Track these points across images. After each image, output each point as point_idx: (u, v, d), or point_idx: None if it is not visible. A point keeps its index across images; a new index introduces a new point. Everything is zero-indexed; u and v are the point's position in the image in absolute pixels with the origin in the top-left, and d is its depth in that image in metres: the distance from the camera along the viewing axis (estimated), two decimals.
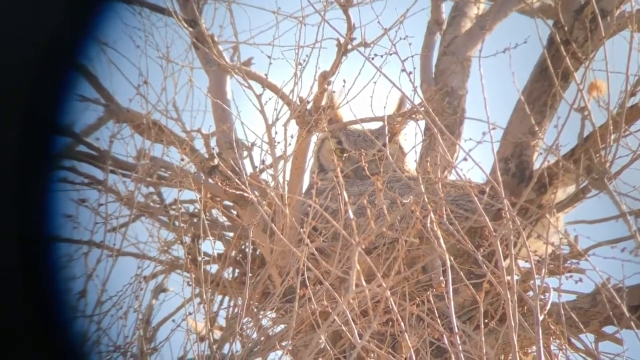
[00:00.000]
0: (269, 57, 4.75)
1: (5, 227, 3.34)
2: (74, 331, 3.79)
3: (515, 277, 3.93)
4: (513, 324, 3.80)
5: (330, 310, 3.97)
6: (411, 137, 5.12)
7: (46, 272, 3.51)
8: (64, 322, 3.63)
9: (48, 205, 3.49)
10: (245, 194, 4.51)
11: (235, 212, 5.15)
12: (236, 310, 4.98)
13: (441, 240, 3.94)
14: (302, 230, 4.22)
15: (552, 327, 4.32)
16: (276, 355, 4.66)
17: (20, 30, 3.31)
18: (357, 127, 5.07)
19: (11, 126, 3.29)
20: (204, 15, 5.37)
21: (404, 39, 4.46)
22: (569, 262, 4.58)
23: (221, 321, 5.10)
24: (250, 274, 4.42)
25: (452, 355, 3.90)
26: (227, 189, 4.64)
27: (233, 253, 5.14)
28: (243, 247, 5.18)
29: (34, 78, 3.33)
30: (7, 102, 3.27)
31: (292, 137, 4.65)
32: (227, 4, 5.16)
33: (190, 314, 4.57)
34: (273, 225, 4.45)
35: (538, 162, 4.86)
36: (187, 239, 5.11)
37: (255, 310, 4.74)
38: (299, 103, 4.65)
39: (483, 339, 4.00)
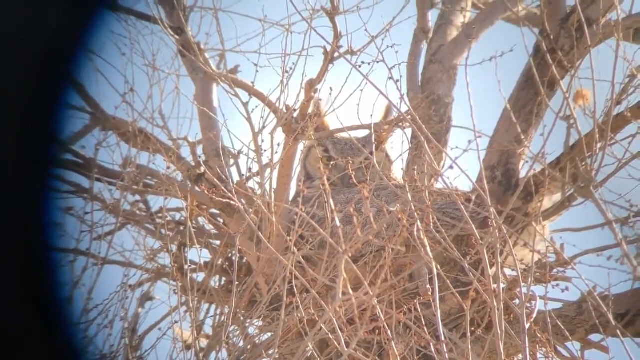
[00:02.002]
0: (256, 65, 4.77)
1: (3, 234, 3.33)
2: (63, 339, 3.78)
3: (502, 285, 3.94)
4: (499, 332, 3.80)
5: (317, 319, 3.96)
6: (398, 145, 5.13)
7: (37, 280, 3.50)
8: (53, 330, 3.62)
9: (39, 214, 3.49)
10: (232, 202, 4.51)
11: (221, 220, 5.14)
12: (223, 318, 4.96)
13: (428, 249, 3.94)
14: (288, 238, 4.21)
15: (539, 335, 4.32)
16: None
17: (16, 39, 3.31)
18: (344, 135, 5.06)
19: (7, 134, 3.28)
20: (190, 23, 5.37)
21: (391, 47, 4.47)
22: (555, 270, 4.58)
23: (208, 329, 5.08)
24: (237, 282, 4.41)
25: None
26: (214, 197, 4.62)
27: (220, 261, 5.12)
28: (230, 255, 5.17)
29: (26, 87, 3.33)
30: (3, 110, 3.27)
31: (278, 145, 4.66)
32: (214, 12, 5.17)
33: (176, 322, 4.57)
34: (260, 233, 4.45)
35: (524, 170, 4.87)
36: (174, 247, 5.10)
37: (242, 318, 4.74)
38: (285, 111, 4.66)
39: (470, 347, 4.00)
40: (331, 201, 4.06)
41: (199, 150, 5.29)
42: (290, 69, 4.63)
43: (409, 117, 4.61)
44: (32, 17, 3.36)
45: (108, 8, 4.75)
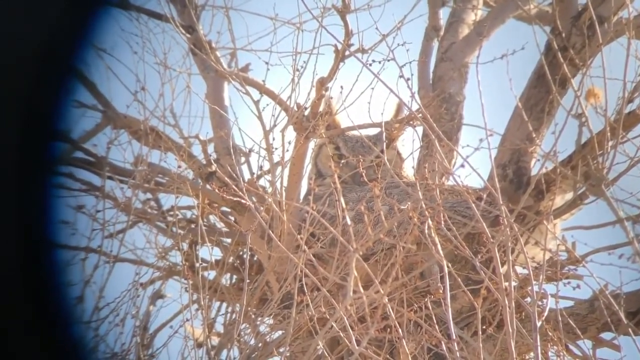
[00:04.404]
0: (267, 63, 4.78)
1: (4, 233, 3.34)
2: (74, 338, 3.78)
3: (513, 284, 3.93)
4: (511, 331, 3.80)
5: (328, 317, 3.97)
6: (409, 143, 5.11)
7: (46, 278, 3.50)
8: (64, 329, 3.62)
9: (47, 211, 3.49)
10: (243, 200, 4.51)
11: (233, 219, 5.14)
12: (234, 316, 4.97)
13: (439, 247, 3.94)
14: (299, 236, 4.22)
15: (550, 333, 4.32)
16: None
17: (18, 35, 3.31)
18: (355, 133, 5.06)
19: (9, 132, 3.29)
20: (202, 21, 5.38)
21: (402, 45, 4.47)
22: (566, 268, 4.58)
23: (219, 327, 5.09)
24: (248, 280, 4.41)
25: None
26: (225, 195, 4.63)
27: (231, 259, 5.14)
28: (241, 253, 5.18)
29: (32, 84, 3.33)
30: (5, 107, 3.27)
31: (289, 143, 4.66)
32: (225, 10, 5.17)
33: (187, 320, 4.57)
34: (271, 231, 4.45)
35: (536, 168, 4.87)
36: (185, 245, 5.11)
37: (253, 316, 4.74)
38: (296, 109, 4.65)
39: (481, 345, 4.00)
40: (342, 199, 4.06)
41: (210, 148, 5.30)
42: (301, 67, 4.63)
43: (420, 115, 4.61)
44: (35, 15, 3.36)
45: (119, 6, 4.75)
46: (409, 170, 5.22)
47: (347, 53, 4.61)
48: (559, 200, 4.77)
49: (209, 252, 5.04)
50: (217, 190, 4.71)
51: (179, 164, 4.97)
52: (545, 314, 4.05)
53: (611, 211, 4.50)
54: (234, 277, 5.23)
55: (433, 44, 5.62)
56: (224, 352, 4.65)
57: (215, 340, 4.85)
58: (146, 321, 4.98)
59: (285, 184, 4.73)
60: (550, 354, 4.54)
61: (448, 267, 3.91)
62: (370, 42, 4.59)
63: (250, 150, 5.19)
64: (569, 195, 4.78)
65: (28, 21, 3.34)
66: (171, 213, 5.19)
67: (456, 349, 3.88)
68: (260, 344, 4.63)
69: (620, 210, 4.48)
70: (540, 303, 4.06)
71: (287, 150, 4.65)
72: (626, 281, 4.45)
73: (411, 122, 5.02)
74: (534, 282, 4.12)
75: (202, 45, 5.23)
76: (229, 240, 5.17)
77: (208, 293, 4.84)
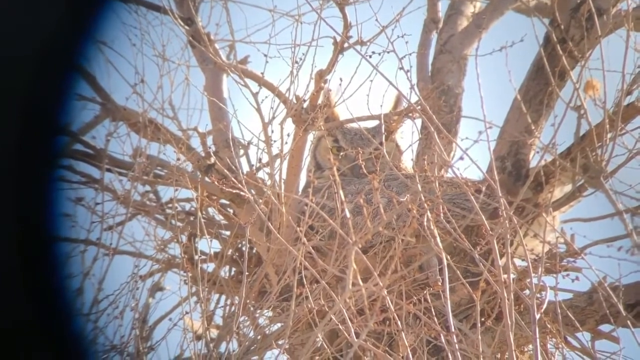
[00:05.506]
0: (266, 55, 4.76)
1: (5, 227, 3.34)
2: (73, 330, 3.79)
3: (512, 276, 3.94)
4: (509, 323, 3.80)
5: (327, 309, 3.97)
6: (408, 135, 5.13)
7: (46, 271, 3.51)
8: (63, 321, 3.63)
9: (48, 205, 3.49)
10: (242, 193, 4.51)
11: (231, 211, 5.14)
12: (233, 308, 4.97)
13: (438, 239, 3.94)
14: (298, 228, 4.22)
15: (549, 325, 4.33)
16: (273, 354, 4.66)
17: (19, 29, 3.31)
18: (354, 125, 5.06)
19: (10, 125, 3.29)
20: (200, 13, 5.38)
21: (401, 37, 4.46)
22: (565, 260, 4.58)
23: (218, 320, 5.09)
24: (247, 273, 4.41)
25: (449, 354, 3.90)
26: (224, 187, 4.64)
27: (230, 252, 5.13)
28: (240, 245, 5.18)
29: (33, 77, 3.33)
30: (6, 101, 3.27)
31: (288, 135, 4.65)
32: (224, 2, 5.17)
33: (186, 312, 4.57)
34: (270, 223, 4.45)
35: (534, 160, 4.87)
36: (184, 238, 5.11)
37: (252, 308, 4.74)
38: (295, 101, 4.65)
39: (480, 337, 4.00)
40: (341, 192, 4.06)
41: (209, 140, 5.30)
42: (300, 59, 4.62)
43: (419, 107, 4.61)
44: (42, 9, 3.36)
45: None
46: (407, 162, 5.22)
47: (346, 45, 4.60)
48: (558, 193, 4.78)
49: (208, 245, 5.05)
50: (216, 183, 4.71)
51: (177, 157, 4.98)
52: (544, 306, 4.05)
53: (610, 203, 4.51)
54: (233, 269, 5.22)
55: (432, 36, 5.62)
56: (223, 345, 4.65)
57: (214, 333, 4.85)
58: (145, 313, 4.98)
59: (284, 176, 4.73)
60: (549, 346, 4.54)
61: (447, 259, 3.91)
62: (369, 34, 4.59)
63: (249, 143, 5.19)
64: (568, 188, 4.78)
65: (29, 15, 3.33)
66: (170, 205, 5.19)
67: (455, 341, 3.89)
68: (259, 337, 4.63)
69: (619, 203, 4.48)
70: (539, 295, 4.06)
71: (286, 143, 4.66)
72: (625, 273, 4.45)
73: (410, 115, 5.02)
74: (532, 275, 4.12)
75: (201, 38, 5.22)
76: (228, 233, 5.18)
77: (207, 285, 4.85)
